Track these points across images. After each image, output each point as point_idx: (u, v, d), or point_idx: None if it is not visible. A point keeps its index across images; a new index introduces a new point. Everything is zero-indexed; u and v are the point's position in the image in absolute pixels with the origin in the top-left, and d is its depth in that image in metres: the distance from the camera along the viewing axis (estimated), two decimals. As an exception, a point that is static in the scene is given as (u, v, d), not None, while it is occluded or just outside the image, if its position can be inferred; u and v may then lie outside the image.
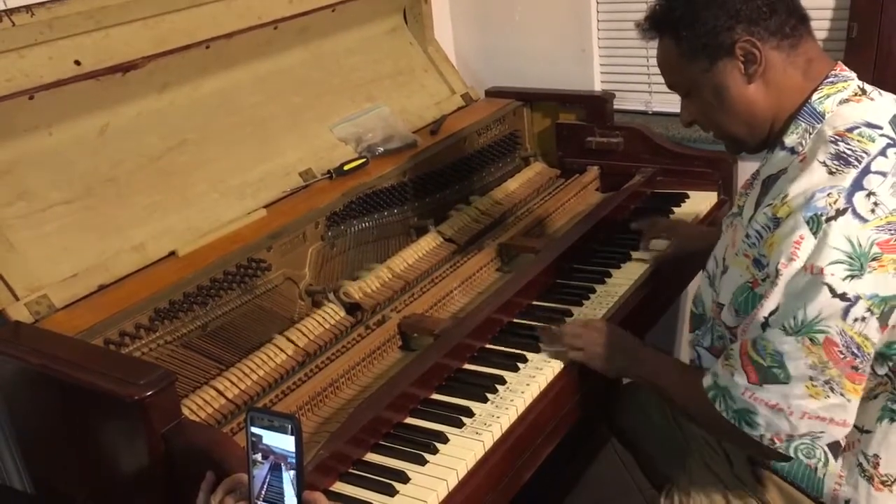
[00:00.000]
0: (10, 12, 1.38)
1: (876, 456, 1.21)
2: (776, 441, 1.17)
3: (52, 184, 1.47)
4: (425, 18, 2.22)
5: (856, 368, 1.11)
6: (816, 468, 1.25)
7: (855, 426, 1.21)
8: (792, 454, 1.18)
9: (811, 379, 1.12)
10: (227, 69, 1.77)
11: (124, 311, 1.37)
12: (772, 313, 1.12)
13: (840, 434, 1.17)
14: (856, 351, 1.10)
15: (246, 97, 1.80)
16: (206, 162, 1.67)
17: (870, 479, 1.22)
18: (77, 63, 1.49)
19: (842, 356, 1.10)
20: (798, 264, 1.09)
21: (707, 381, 1.24)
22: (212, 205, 1.63)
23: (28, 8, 1.40)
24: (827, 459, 1.18)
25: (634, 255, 1.81)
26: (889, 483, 1.22)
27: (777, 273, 1.11)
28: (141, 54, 1.58)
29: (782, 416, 1.15)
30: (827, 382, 1.11)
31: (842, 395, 1.12)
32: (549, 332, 1.49)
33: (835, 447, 1.18)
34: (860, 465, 1.23)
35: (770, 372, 1.14)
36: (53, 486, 1.47)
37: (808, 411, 1.14)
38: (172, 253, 1.53)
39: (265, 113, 1.82)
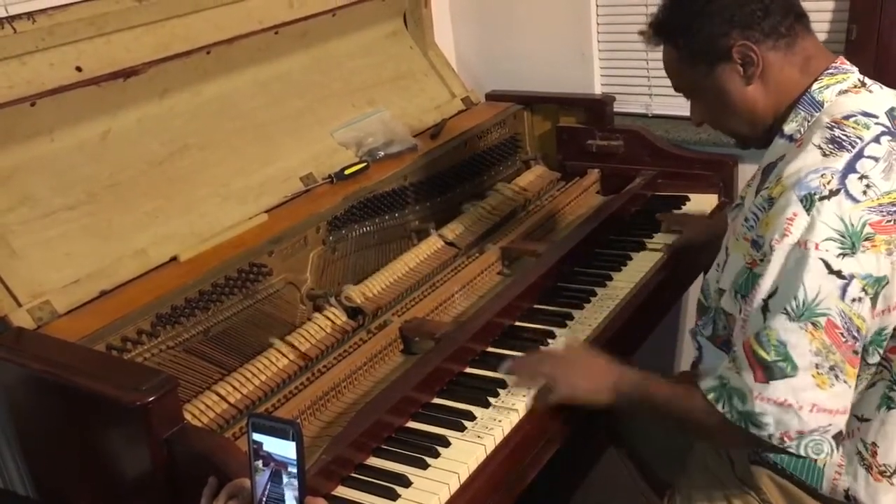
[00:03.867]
0: (11, 19, 1.38)
1: (874, 444, 1.22)
2: (786, 440, 1.15)
3: (54, 189, 1.47)
4: (425, 22, 2.22)
5: (856, 353, 1.13)
6: (816, 459, 1.25)
7: (854, 415, 1.23)
8: (802, 453, 1.16)
9: (817, 367, 1.12)
10: (227, 74, 1.77)
11: (126, 317, 1.37)
12: (770, 295, 1.13)
13: (843, 423, 1.17)
14: (856, 334, 1.11)
15: (247, 102, 1.81)
16: (208, 167, 1.68)
17: (868, 468, 1.23)
18: (78, 69, 1.50)
19: (843, 339, 1.11)
20: (791, 240, 1.11)
21: (707, 383, 1.21)
22: (213, 210, 1.64)
23: (29, 15, 1.40)
24: (832, 451, 1.17)
25: (635, 256, 1.82)
26: (888, 474, 1.22)
27: (771, 249, 1.12)
28: (142, 60, 1.58)
29: (791, 412, 1.13)
30: (832, 369, 1.12)
31: (844, 381, 1.13)
32: (513, 361, 1.42)
33: (837, 437, 1.18)
34: (859, 453, 1.23)
35: (776, 366, 1.13)
36: (56, 491, 1.47)
37: (817, 403, 1.13)
38: (174, 258, 1.53)
39: (266, 117, 1.82)
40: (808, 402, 1.13)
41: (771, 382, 1.14)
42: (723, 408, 1.18)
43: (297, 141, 1.84)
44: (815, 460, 1.21)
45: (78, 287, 1.42)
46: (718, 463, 1.41)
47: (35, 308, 1.36)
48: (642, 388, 1.30)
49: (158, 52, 1.61)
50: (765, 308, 1.14)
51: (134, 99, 1.60)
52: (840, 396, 1.14)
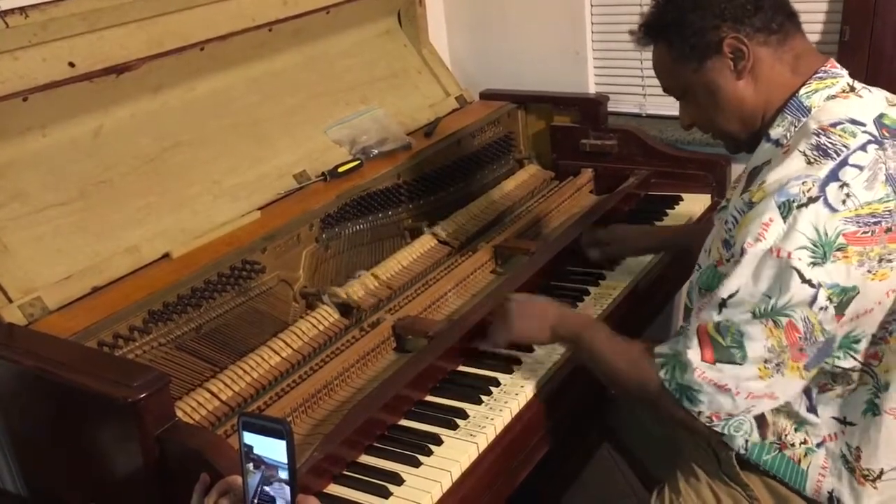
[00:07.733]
0: (3, 14, 1.37)
1: (858, 448, 1.23)
2: (714, 419, 1.21)
3: (46, 185, 1.47)
4: (420, 20, 2.22)
5: (801, 350, 1.15)
6: (800, 460, 1.27)
7: (840, 418, 1.24)
8: (725, 432, 1.23)
9: (765, 362, 1.15)
10: (221, 71, 1.77)
11: (118, 313, 1.37)
12: (732, 295, 1.15)
13: (768, 406, 1.22)
14: (810, 337, 1.13)
15: (240, 99, 1.80)
16: (201, 164, 1.67)
17: (852, 471, 1.24)
18: (71, 65, 1.49)
19: (799, 341, 1.13)
20: (763, 246, 1.11)
21: (661, 349, 1.26)
22: (206, 206, 1.63)
23: (22, 9, 1.40)
24: (752, 431, 1.24)
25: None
26: (871, 479, 1.23)
27: (742, 252, 1.13)
28: (135, 56, 1.57)
29: (728, 395, 1.18)
30: (777, 366, 1.16)
31: (782, 374, 1.17)
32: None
33: (760, 420, 1.25)
34: (843, 456, 1.25)
35: (728, 352, 1.16)
36: (47, 489, 1.47)
37: (753, 392, 1.18)
38: (166, 255, 1.53)
39: (259, 115, 1.82)
40: (746, 389, 1.18)
41: (718, 364, 1.18)
42: (665, 375, 1.23)
43: (290, 138, 1.84)
44: (736, 437, 1.26)
45: (69, 283, 1.41)
46: (707, 460, 1.41)
47: (26, 304, 1.35)
48: (585, 336, 1.36)
49: (152, 49, 1.60)
50: (722, 304, 1.16)
51: (127, 95, 1.60)
52: (772, 385, 1.18)
